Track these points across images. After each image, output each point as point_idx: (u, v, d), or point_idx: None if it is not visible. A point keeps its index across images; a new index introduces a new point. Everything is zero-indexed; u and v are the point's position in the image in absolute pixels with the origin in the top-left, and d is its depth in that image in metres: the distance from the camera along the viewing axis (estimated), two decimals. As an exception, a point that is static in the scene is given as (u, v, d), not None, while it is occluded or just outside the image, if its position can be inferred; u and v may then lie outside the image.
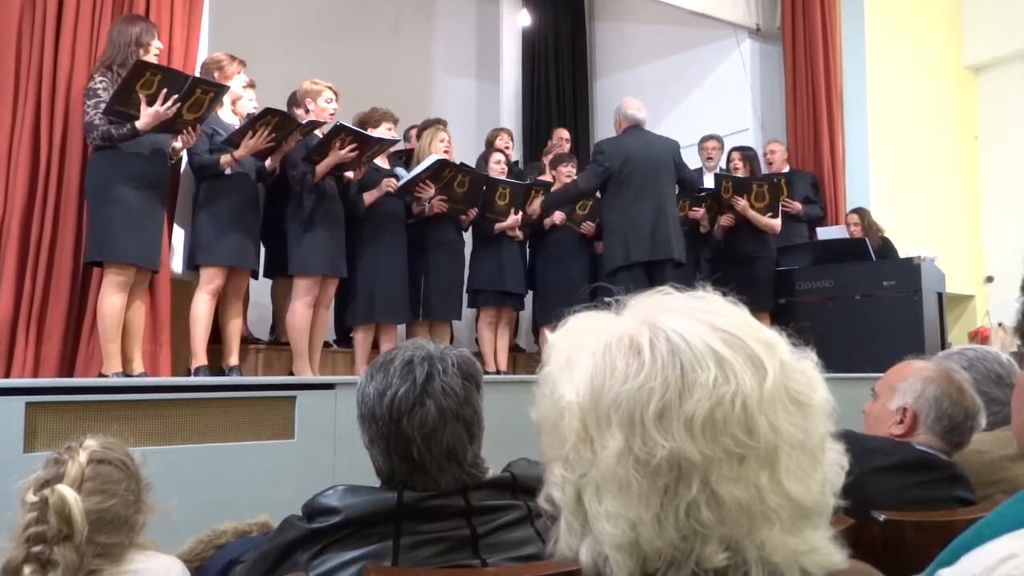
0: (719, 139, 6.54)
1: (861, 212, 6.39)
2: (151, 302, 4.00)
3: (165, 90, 3.62)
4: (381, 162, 4.88)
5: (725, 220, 5.81)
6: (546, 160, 6.22)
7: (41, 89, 3.85)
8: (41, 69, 3.86)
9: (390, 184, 4.72)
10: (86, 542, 1.37)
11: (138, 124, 3.63)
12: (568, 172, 5.78)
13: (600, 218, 5.37)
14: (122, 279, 3.68)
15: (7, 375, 3.63)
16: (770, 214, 5.79)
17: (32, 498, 1.39)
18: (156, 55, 3.82)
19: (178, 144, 3.92)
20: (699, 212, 5.78)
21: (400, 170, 5.00)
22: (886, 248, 6.23)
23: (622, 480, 0.70)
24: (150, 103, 3.62)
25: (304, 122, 4.26)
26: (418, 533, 1.31)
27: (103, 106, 3.62)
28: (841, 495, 0.75)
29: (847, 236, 6.29)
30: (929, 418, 1.78)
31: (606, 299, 0.80)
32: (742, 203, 5.69)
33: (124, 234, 3.66)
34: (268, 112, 4.01)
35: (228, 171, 4.08)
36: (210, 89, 3.79)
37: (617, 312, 0.79)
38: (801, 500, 0.70)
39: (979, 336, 7.45)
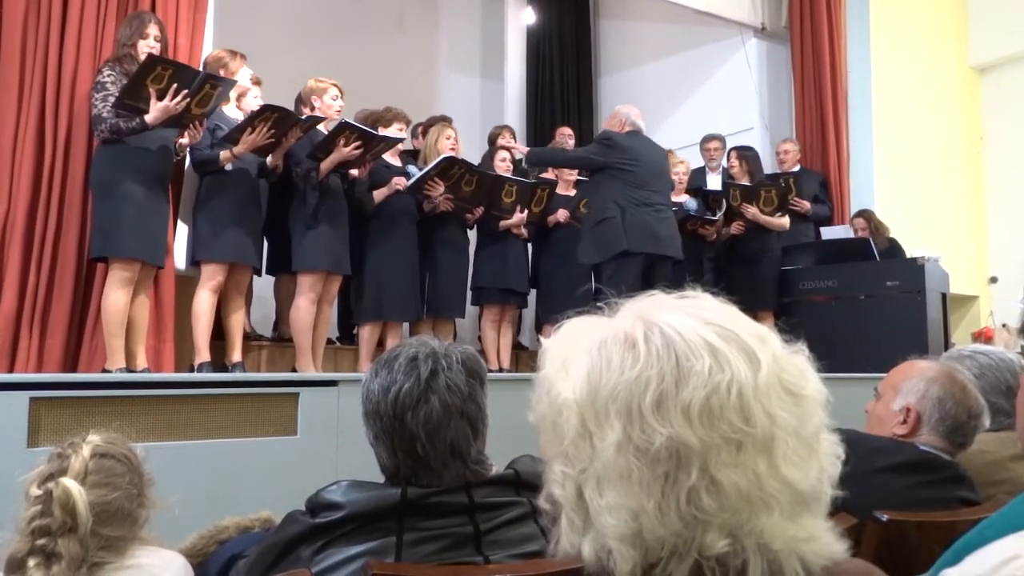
0: (721, 139, 6.53)
1: (866, 215, 6.36)
2: (155, 298, 4.01)
3: (175, 85, 3.63)
4: (393, 160, 4.89)
5: (735, 228, 5.80)
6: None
7: (46, 86, 3.87)
8: (46, 66, 3.88)
9: (399, 182, 4.72)
10: (90, 535, 1.38)
11: (147, 118, 3.63)
12: (571, 170, 5.78)
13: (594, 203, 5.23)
14: (127, 275, 3.68)
15: (11, 370, 3.64)
16: (779, 214, 5.79)
17: (36, 492, 1.40)
18: (152, 49, 3.81)
19: (184, 140, 3.91)
20: (709, 230, 5.77)
21: (412, 168, 5.00)
22: (894, 249, 6.21)
23: (623, 470, 0.71)
24: (160, 97, 3.62)
25: (303, 117, 4.26)
26: (421, 529, 1.31)
27: (111, 99, 3.63)
28: (843, 493, 0.75)
29: (851, 236, 6.28)
30: (932, 418, 1.78)
31: (599, 303, 0.82)
32: (752, 211, 5.69)
33: (129, 230, 3.67)
34: (267, 108, 4.01)
35: (228, 167, 4.08)
36: (217, 84, 3.80)
37: (610, 314, 0.80)
38: (799, 486, 0.71)
39: (983, 337, 7.45)
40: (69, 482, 1.39)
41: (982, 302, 7.98)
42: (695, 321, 0.75)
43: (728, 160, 6.14)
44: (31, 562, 1.34)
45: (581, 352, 0.76)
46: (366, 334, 4.80)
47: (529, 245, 5.68)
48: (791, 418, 0.72)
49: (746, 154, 6.09)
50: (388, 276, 4.70)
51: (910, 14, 7.63)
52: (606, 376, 0.73)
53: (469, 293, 5.41)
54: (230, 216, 4.09)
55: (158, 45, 3.84)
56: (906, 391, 1.83)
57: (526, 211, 5.30)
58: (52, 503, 1.37)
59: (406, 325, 5.05)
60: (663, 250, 4.87)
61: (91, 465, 1.43)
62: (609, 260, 4.83)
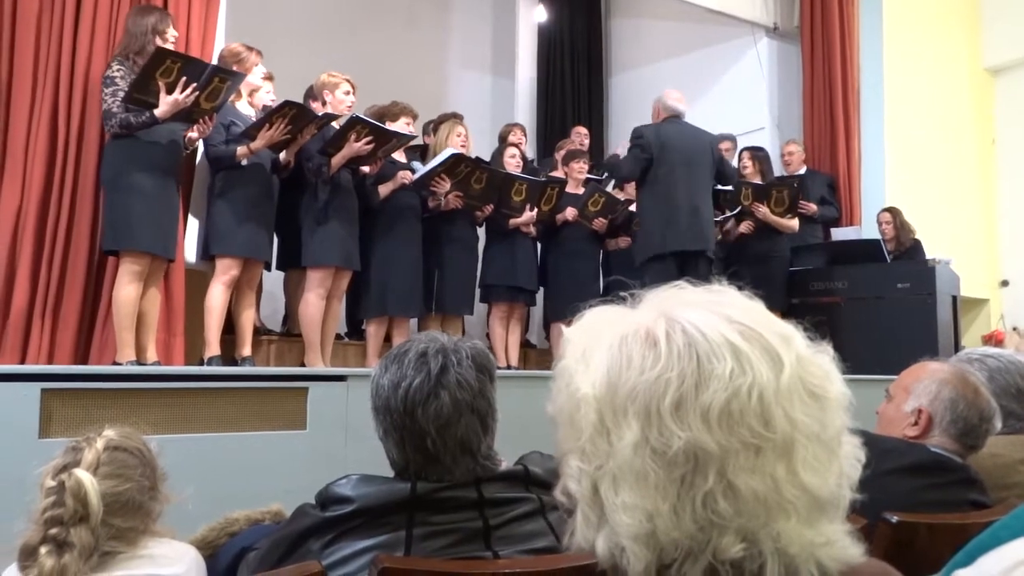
0: (732, 139, 6.52)
1: (894, 211, 6.35)
2: (166, 292, 4.02)
3: (184, 78, 3.63)
4: (398, 155, 4.89)
5: (745, 227, 5.79)
6: (558, 155, 6.21)
7: (59, 80, 3.88)
8: (59, 60, 3.89)
9: (405, 176, 4.72)
10: (101, 524, 1.40)
11: (157, 112, 3.63)
12: (580, 168, 5.78)
13: (637, 207, 5.36)
14: (138, 268, 3.70)
15: (23, 362, 3.66)
16: (789, 215, 5.78)
17: (50, 483, 1.42)
18: (172, 43, 3.83)
19: (193, 134, 3.91)
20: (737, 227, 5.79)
21: (416, 163, 5.00)
22: (916, 250, 6.18)
23: (639, 471, 0.70)
24: (169, 91, 3.62)
25: (319, 114, 4.27)
26: (430, 524, 1.31)
27: (121, 94, 3.64)
28: (861, 496, 0.75)
29: (861, 237, 6.26)
30: (944, 420, 1.77)
31: (622, 293, 0.81)
32: (763, 210, 5.68)
33: (141, 223, 3.68)
34: (286, 104, 4.02)
35: (244, 162, 4.08)
36: (227, 77, 3.80)
37: (633, 306, 0.80)
38: (817, 492, 0.70)
39: (993, 340, 7.41)
40: (81, 472, 1.41)
41: (993, 305, 7.94)
42: (718, 319, 0.73)
43: (740, 160, 6.12)
44: (43, 550, 1.36)
45: (602, 346, 0.75)
46: (373, 330, 4.81)
47: (538, 243, 5.68)
48: (812, 422, 0.71)
49: (759, 154, 6.08)
50: (391, 271, 4.70)
51: (924, 15, 7.60)
52: (626, 374, 0.72)
53: (478, 290, 5.42)
54: (245, 211, 4.10)
55: (173, 44, 3.85)
56: (918, 393, 1.82)
57: (535, 209, 5.30)
58: (65, 493, 1.39)
59: (413, 321, 5.06)
60: (693, 245, 4.87)
61: (104, 457, 1.45)
62: (646, 263, 4.85)
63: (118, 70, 3.70)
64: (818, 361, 0.75)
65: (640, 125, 5.17)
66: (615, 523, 0.71)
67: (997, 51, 8.08)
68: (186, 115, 3.77)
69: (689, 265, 4.83)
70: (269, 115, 4.01)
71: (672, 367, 0.71)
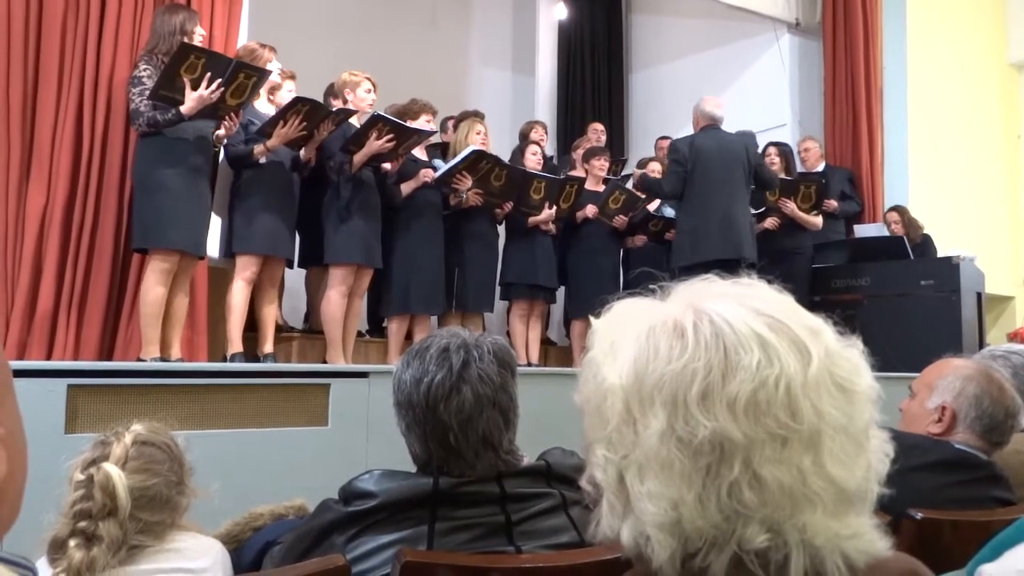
0: (752, 136, 6.48)
1: (900, 210, 6.33)
2: (189, 290, 4.05)
3: (209, 74, 3.64)
4: (419, 153, 4.90)
5: (770, 223, 5.75)
6: (575, 155, 6.20)
7: (84, 80, 3.91)
8: (84, 60, 3.92)
9: (427, 174, 4.73)
10: (129, 518, 1.41)
11: (183, 108, 3.64)
12: (601, 166, 5.77)
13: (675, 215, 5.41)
14: (167, 266, 3.71)
15: (49, 359, 3.70)
16: (814, 212, 5.75)
17: (79, 477, 1.44)
18: (200, 43, 3.85)
19: (221, 132, 3.92)
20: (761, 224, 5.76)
21: (438, 161, 5.02)
22: (926, 245, 6.15)
23: (664, 460, 0.70)
24: (194, 87, 3.63)
25: (335, 110, 4.28)
26: (453, 518, 1.32)
27: (148, 93, 3.66)
28: (889, 491, 0.75)
29: (885, 234, 6.21)
30: (969, 416, 1.76)
31: (650, 285, 0.81)
32: (790, 206, 5.64)
33: (171, 221, 3.69)
34: (298, 101, 4.02)
35: (263, 160, 4.10)
36: (252, 73, 3.80)
37: (661, 298, 0.80)
38: (844, 484, 0.70)
39: (1018, 338, 7.32)
40: (110, 467, 1.42)
41: (1018, 303, 7.85)
42: (746, 311, 0.74)
43: (765, 156, 6.08)
44: (72, 543, 1.38)
45: (629, 337, 0.76)
46: (395, 327, 4.82)
47: (557, 240, 5.67)
48: (840, 415, 0.71)
49: (784, 150, 6.05)
50: (414, 269, 4.71)
51: (948, 10, 7.52)
52: (653, 364, 0.73)
53: (498, 288, 5.42)
54: (265, 209, 4.12)
55: (201, 41, 3.87)
56: (942, 389, 1.81)
57: (555, 207, 5.30)
58: (93, 487, 1.40)
59: (435, 319, 5.07)
60: (726, 254, 4.85)
61: (132, 451, 1.46)
62: (678, 270, 4.87)
63: (145, 69, 3.72)
64: (847, 355, 0.75)
65: (676, 139, 5.17)
66: (640, 512, 0.72)
67: (1022, 46, 7.98)
68: (212, 111, 3.78)
69: (728, 273, 4.81)
70: (282, 112, 4.01)
71: (699, 357, 0.71)
